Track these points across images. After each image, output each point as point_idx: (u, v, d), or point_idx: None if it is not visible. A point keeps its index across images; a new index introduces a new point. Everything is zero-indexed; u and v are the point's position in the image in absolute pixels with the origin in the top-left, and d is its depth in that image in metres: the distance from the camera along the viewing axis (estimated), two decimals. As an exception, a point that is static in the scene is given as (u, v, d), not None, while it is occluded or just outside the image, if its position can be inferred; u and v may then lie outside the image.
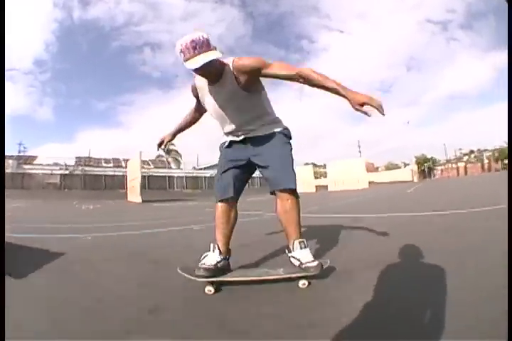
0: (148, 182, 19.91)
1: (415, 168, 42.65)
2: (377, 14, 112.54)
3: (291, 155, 1.54)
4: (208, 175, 24.03)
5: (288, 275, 1.35)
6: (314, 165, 30.58)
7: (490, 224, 2.51)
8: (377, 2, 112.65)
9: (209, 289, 1.30)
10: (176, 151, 29.64)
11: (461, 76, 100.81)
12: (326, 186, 22.25)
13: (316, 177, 26.75)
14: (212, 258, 1.40)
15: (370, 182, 21.90)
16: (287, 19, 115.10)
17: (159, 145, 1.81)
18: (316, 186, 20.72)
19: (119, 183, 18.92)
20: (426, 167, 46.89)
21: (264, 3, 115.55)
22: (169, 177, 21.23)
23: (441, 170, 52.09)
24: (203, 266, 1.35)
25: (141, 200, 12.64)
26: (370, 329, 0.90)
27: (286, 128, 1.56)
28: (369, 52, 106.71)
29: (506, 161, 45.89)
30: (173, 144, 32.11)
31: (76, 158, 24.17)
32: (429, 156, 51.26)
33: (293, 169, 1.48)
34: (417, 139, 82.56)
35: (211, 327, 0.99)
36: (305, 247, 1.40)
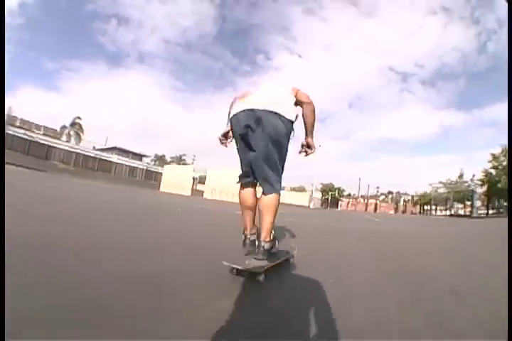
0: (29, 148, 19.08)
1: (318, 194, 46.16)
2: (343, 49, 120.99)
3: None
4: (92, 154, 23.31)
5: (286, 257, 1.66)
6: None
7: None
8: (350, 39, 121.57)
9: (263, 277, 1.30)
10: (80, 125, 28.59)
11: (402, 124, 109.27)
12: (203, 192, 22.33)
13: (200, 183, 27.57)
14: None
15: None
16: (255, 31, 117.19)
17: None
18: (195, 190, 21.70)
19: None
20: (330, 196, 49.98)
21: (242, 10, 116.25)
22: (49, 147, 20.12)
23: (348, 202, 55.42)
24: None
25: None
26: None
27: None
28: (318, 82, 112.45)
29: (426, 207, 44.51)
30: (79, 118, 30.61)
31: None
32: (337, 186, 55.82)
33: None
34: (337, 170, 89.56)
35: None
36: None
